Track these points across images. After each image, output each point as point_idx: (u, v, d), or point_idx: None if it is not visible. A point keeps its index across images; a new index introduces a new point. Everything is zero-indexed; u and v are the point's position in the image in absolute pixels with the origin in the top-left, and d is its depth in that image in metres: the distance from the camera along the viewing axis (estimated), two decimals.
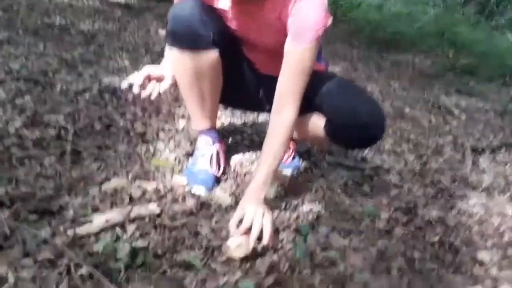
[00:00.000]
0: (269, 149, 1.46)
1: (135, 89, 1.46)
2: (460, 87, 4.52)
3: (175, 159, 1.83)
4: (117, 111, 2.11)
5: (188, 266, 1.23)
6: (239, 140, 2.14)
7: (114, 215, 1.30)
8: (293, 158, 1.93)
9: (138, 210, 1.34)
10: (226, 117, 2.39)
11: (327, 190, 1.77)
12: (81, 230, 1.24)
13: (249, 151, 2.01)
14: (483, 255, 1.52)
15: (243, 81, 1.72)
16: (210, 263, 1.27)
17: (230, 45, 1.55)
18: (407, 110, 3.26)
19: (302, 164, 1.97)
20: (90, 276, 1.11)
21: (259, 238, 1.31)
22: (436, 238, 1.58)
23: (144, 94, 1.50)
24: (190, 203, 1.46)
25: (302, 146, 2.10)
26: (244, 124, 2.36)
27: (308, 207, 1.62)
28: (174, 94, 2.49)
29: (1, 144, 1.59)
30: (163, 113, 2.25)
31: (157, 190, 1.48)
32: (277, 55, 1.42)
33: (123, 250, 1.15)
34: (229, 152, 1.94)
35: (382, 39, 5.93)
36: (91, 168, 1.60)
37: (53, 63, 2.49)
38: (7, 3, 3.42)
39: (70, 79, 2.32)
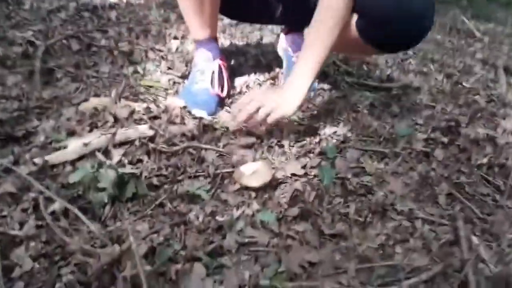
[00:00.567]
0: (313, 36, 1.17)
1: None
2: (477, 12, 4.18)
3: (169, 81, 1.54)
4: (98, 31, 1.79)
5: (192, 198, 0.98)
6: (243, 62, 1.83)
7: (94, 138, 1.02)
8: None
9: (125, 132, 1.06)
10: (225, 38, 2.07)
11: (351, 112, 1.49)
12: (53, 157, 0.97)
13: (255, 72, 1.71)
14: None
15: None
16: (219, 193, 1.01)
17: None
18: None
19: (318, 85, 1.68)
20: (65, 212, 0.85)
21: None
22: (485, 160, 1.31)
23: None
24: (190, 125, 1.18)
25: None
26: (248, 44, 2.04)
27: (332, 130, 1.35)
28: (165, 15, 2.17)
29: None
30: (152, 34, 1.93)
31: (148, 110, 1.20)
32: None
33: (107, 178, 0.89)
34: (232, 74, 1.65)
35: None
36: (67, 89, 1.31)
37: None
38: None
39: None
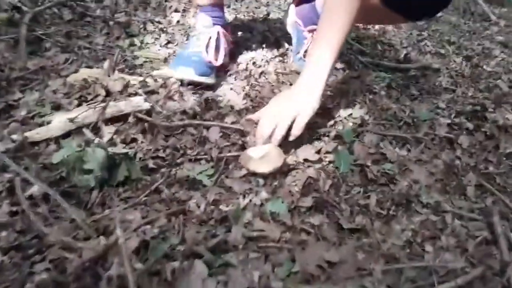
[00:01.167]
0: (325, 25, 1.03)
1: None
2: None
3: (168, 55, 1.40)
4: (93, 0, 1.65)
5: (192, 184, 0.86)
6: (249, 37, 1.70)
7: (82, 112, 0.89)
8: None
9: (117, 104, 0.93)
10: (230, 13, 1.93)
11: (367, 93, 1.36)
12: (34, 133, 0.85)
13: (262, 48, 1.58)
14: None
15: None
16: (224, 179, 0.89)
17: None
18: (439, 14, 2.80)
19: None
20: (44, 197, 0.73)
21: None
22: None
23: None
24: (191, 101, 1.05)
25: None
26: (254, 20, 1.91)
27: (347, 112, 1.22)
28: None
29: None
30: (152, 6, 1.79)
31: (144, 84, 1.07)
32: None
33: (95, 158, 0.76)
34: (239, 48, 1.52)
35: None
36: (56, 60, 1.18)
37: None
38: None
39: None
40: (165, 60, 1.33)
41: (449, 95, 1.50)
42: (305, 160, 0.99)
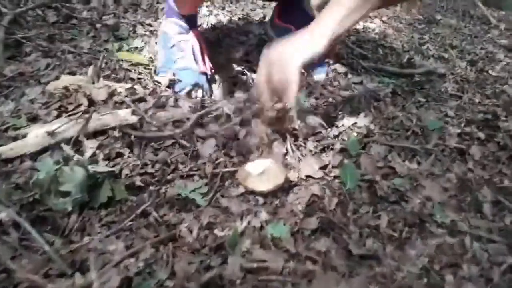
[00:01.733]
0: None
1: None
2: None
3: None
4: (80, 1, 1.56)
5: (184, 204, 0.77)
6: (245, 40, 1.62)
7: (62, 125, 0.80)
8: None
9: (102, 119, 0.84)
10: (225, 15, 1.85)
11: (371, 100, 1.28)
12: (7, 149, 0.76)
13: (257, 52, 1.50)
14: None
15: None
16: (219, 198, 0.80)
17: None
18: (438, 16, 2.74)
19: (332, 68, 1.47)
20: (15, 224, 0.64)
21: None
22: None
23: None
24: (184, 110, 0.96)
25: None
26: (250, 22, 1.82)
27: (351, 121, 1.14)
28: None
29: None
30: (142, 8, 1.70)
31: (132, 91, 0.97)
32: None
33: (74, 178, 0.67)
34: (234, 51, 1.44)
35: None
36: (36, 66, 1.09)
37: None
38: None
39: None
40: (155, 66, 1.25)
41: (456, 101, 1.42)
42: (308, 176, 0.90)
